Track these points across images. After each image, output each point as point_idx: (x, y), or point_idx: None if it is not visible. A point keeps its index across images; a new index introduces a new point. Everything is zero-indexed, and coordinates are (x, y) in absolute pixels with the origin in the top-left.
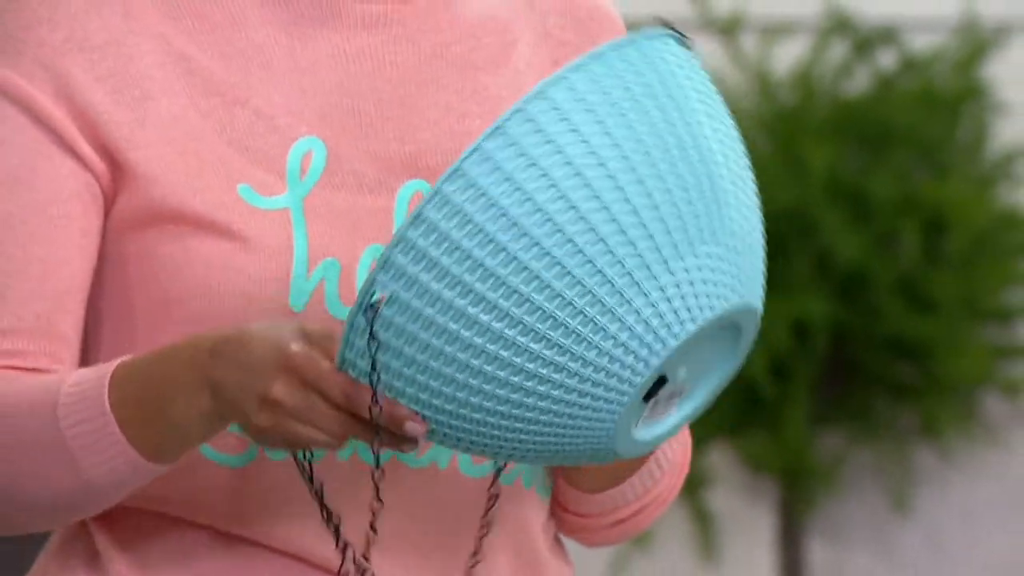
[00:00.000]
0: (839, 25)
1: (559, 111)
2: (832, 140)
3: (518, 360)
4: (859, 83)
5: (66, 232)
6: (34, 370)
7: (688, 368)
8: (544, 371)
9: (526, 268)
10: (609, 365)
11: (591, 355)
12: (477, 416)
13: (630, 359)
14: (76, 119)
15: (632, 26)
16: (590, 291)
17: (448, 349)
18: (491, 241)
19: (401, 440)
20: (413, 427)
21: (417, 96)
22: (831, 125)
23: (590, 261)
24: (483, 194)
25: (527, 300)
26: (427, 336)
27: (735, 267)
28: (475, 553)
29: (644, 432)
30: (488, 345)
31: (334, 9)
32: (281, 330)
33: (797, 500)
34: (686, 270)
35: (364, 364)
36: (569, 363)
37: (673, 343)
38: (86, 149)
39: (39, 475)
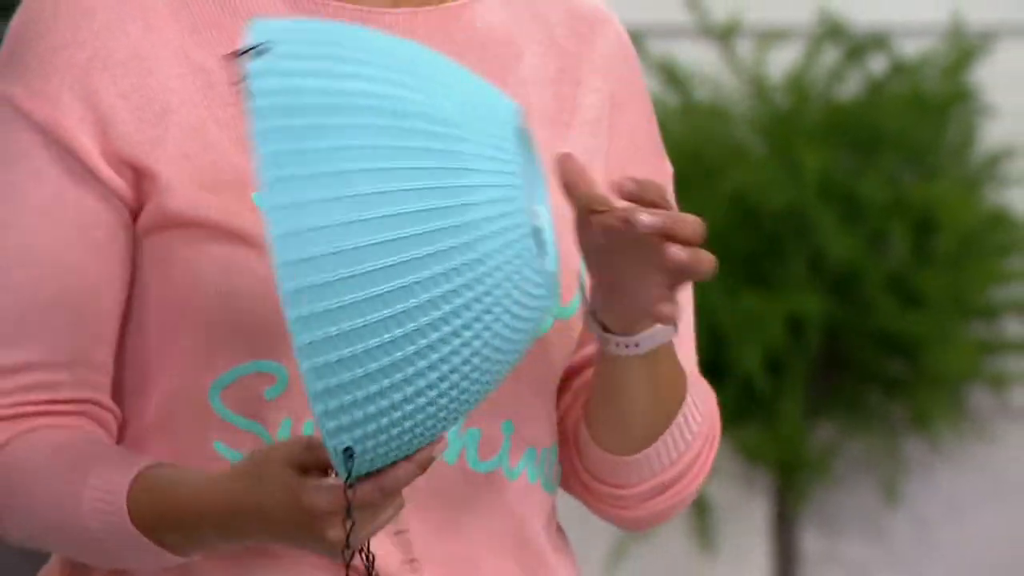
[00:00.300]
0: (832, 31)
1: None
2: (825, 143)
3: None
4: (851, 87)
5: (98, 261)
6: (70, 401)
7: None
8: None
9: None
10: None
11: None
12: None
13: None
14: (101, 141)
15: (634, 33)
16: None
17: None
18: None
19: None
20: (440, 448)
21: None
22: (824, 128)
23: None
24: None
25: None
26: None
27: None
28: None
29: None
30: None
31: (353, 18)
32: (281, 482)
33: (791, 490)
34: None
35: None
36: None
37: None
38: (110, 174)
39: (69, 548)
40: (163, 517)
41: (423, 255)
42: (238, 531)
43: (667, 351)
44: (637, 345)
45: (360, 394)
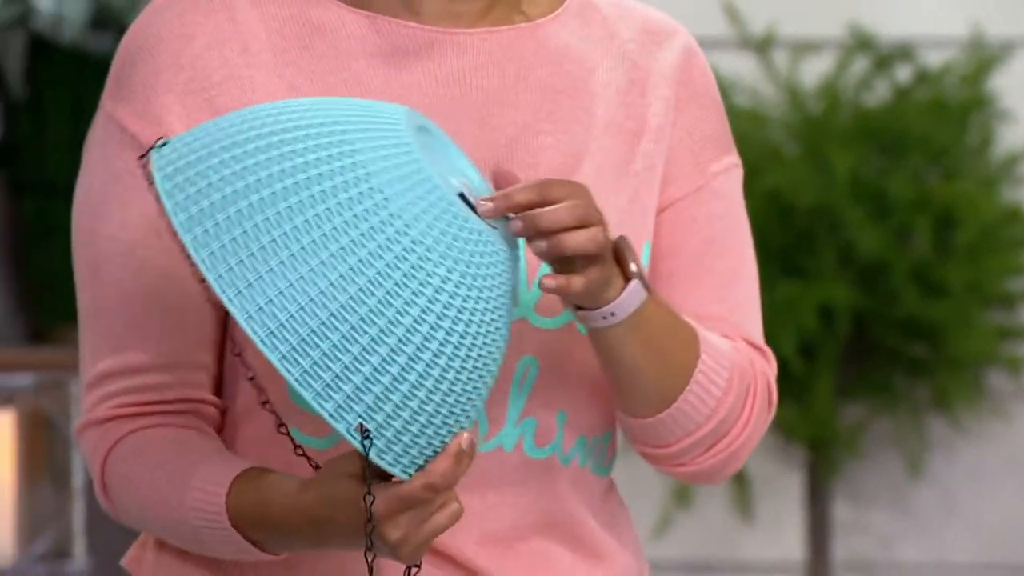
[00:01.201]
0: (861, 43)
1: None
2: (854, 145)
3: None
4: (879, 95)
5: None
6: (176, 400)
7: (454, 177)
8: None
9: None
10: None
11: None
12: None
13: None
14: None
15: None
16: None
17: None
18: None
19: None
20: (468, 440)
21: (497, 116)
22: (854, 132)
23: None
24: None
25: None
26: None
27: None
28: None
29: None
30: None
31: (428, 40)
32: (345, 494)
33: (823, 464)
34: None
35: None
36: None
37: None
38: None
39: (176, 538)
40: (256, 520)
41: (339, 226)
42: (320, 540)
43: (657, 314)
44: (613, 315)
45: (337, 367)
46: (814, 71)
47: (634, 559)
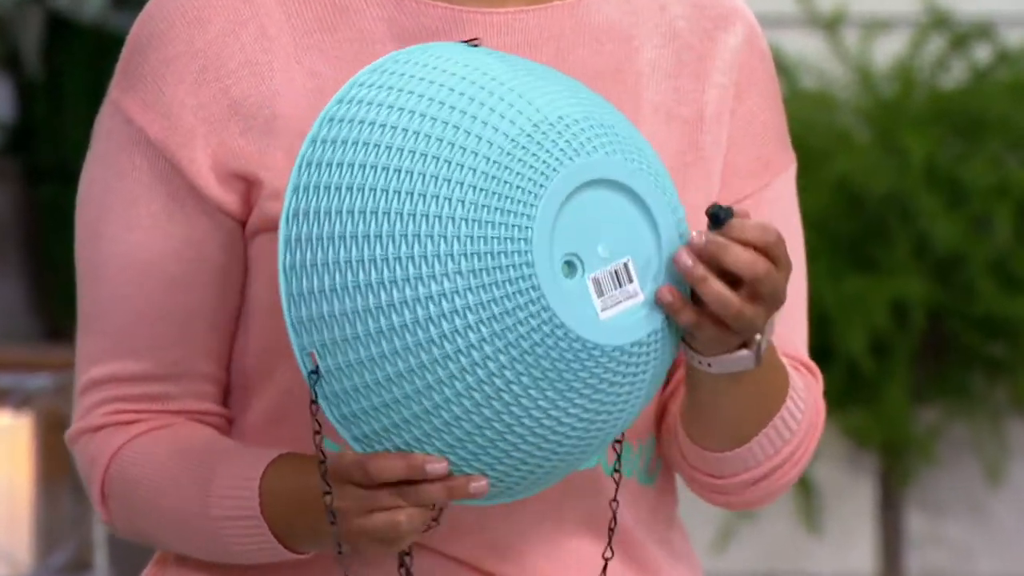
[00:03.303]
0: (937, 21)
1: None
2: (930, 130)
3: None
4: (955, 76)
5: (205, 275)
6: (180, 412)
7: (611, 248)
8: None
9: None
10: (502, 218)
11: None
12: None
13: (517, 205)
14: (211, 153)
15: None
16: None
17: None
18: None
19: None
20: (434, 468)
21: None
22: (929, 115)
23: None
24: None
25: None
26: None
27: (602, 129)
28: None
29: (617, 318)
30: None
31: (458, 20)
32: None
33: (896, 472)
34: (552, 119)
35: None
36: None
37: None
38: (218, 191)
39: (187, 542)
40: (290, 505)
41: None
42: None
43: (759, 373)
44: (710, 366)
45: (326, 308)
46: (887, 51)
47: (689, 573)
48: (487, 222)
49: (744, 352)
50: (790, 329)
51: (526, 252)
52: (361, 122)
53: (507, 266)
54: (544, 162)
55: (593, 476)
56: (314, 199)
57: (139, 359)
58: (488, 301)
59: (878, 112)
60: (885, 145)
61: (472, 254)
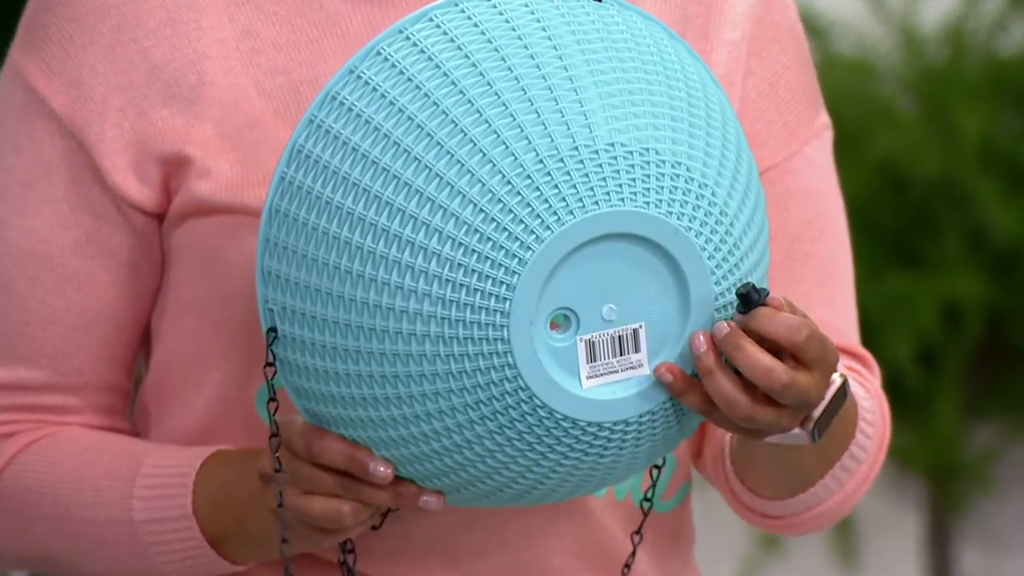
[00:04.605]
0: None
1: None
2: (986, 102)
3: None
4: (1016, 39)
5: (108, 273)
6: (82, 426)
7: (620, 308)
8: (417, 283)
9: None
10: (479, 265)
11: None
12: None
13: (501, 255)
14: (127, 128)
15: None
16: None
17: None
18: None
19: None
20: (378, 472)
21: None
22: (985, 86)
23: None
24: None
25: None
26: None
27: (625, 172)
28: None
29: (603, 390)
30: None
31: None
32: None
33: (947, 500)
34: (551, 173)
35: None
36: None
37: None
38: (129, 176)
39: (107, 565)
40: (219, 502)
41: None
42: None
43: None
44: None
45: (298, 272)
46: (935, 10)
47: None
48: (461, 285)
49: (797, 431)
50: (847, 318)
51: (501, 326)
52: (342, 142)
53: (480, 328)
54: (546, 212)
55: (582, 500)
56: (288, 227)
57: (31, 366)
58: (460, 354)
59: (925, 82)
60: (934, 121)
61: (442, 318)
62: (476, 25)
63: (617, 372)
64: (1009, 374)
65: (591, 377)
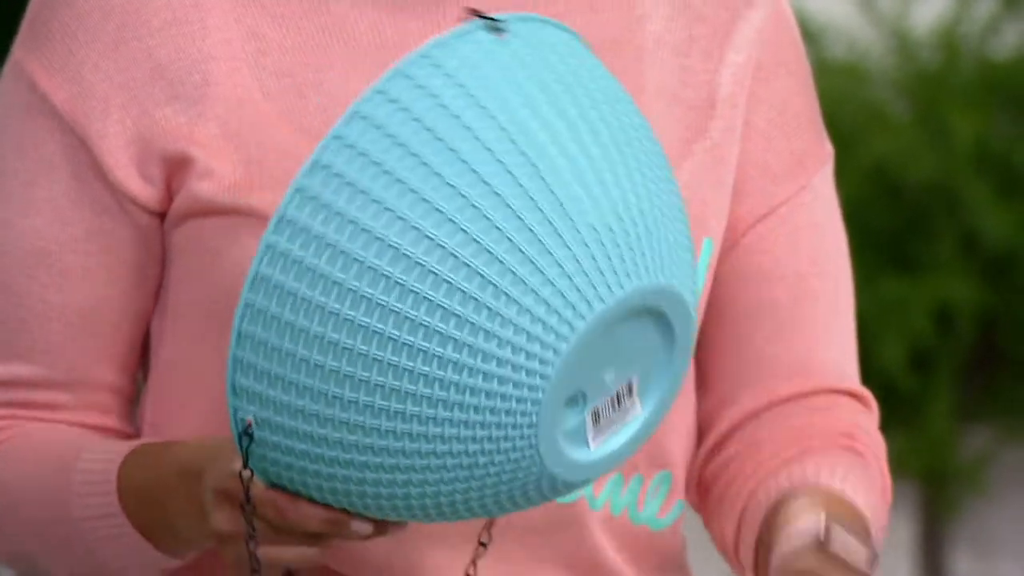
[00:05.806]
0: None
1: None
2: (979, 106)
3: (414, 365)
4: (1008, 42)
5: (108, 270)
6: (72, 424)
7: (617, 370)
8: (442, 372)
9: (404, 254)
10: (513, 356)
11: (490, 347)
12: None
13: (535, 346)
14: (129, 126)
15: None
16: (474, 274)
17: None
18: (365, 229)
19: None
20: (359, 528)
21: None
22: (978, 89)
23: (473, 241)
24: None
25: (410, 291)
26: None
27: (634, 248)
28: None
29: (593, 451)
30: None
31: None
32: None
33: (940, 504)
34: (576, 256)
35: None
36: (468, 361)
37: (568, 331)
38: (132, 173)
39: (58, 557)
40: (142, 490)
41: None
42: (182, 499)
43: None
44: None
45: (276, 368)
46: (927, 14)
47: None
48: (493, 375)
49: None
50: (850, 358)
51: (532, 413)
52: (335, 211)
53: (507, 417)
54: (578, 300)
55: (575, 509)
56: (275, 296)
57: (27, 362)
58: (481, 437)
59: (918, 85)
60: (926, 124)
61: (469, 406)
62: (443, 106)
63: (615, 424)
64: (1002, 378)
65: (596, 438)
